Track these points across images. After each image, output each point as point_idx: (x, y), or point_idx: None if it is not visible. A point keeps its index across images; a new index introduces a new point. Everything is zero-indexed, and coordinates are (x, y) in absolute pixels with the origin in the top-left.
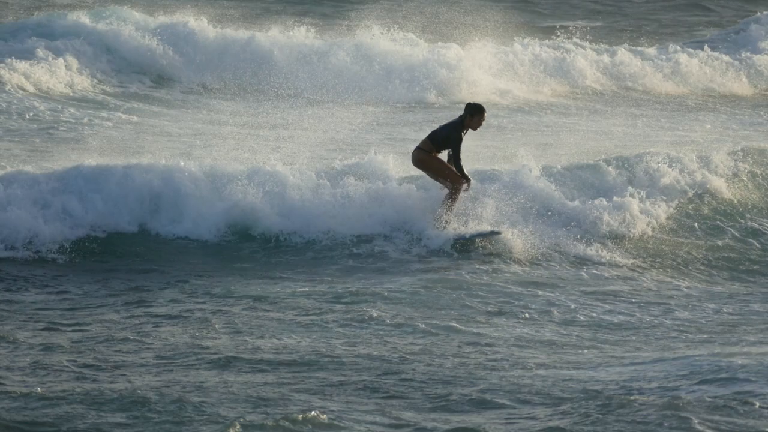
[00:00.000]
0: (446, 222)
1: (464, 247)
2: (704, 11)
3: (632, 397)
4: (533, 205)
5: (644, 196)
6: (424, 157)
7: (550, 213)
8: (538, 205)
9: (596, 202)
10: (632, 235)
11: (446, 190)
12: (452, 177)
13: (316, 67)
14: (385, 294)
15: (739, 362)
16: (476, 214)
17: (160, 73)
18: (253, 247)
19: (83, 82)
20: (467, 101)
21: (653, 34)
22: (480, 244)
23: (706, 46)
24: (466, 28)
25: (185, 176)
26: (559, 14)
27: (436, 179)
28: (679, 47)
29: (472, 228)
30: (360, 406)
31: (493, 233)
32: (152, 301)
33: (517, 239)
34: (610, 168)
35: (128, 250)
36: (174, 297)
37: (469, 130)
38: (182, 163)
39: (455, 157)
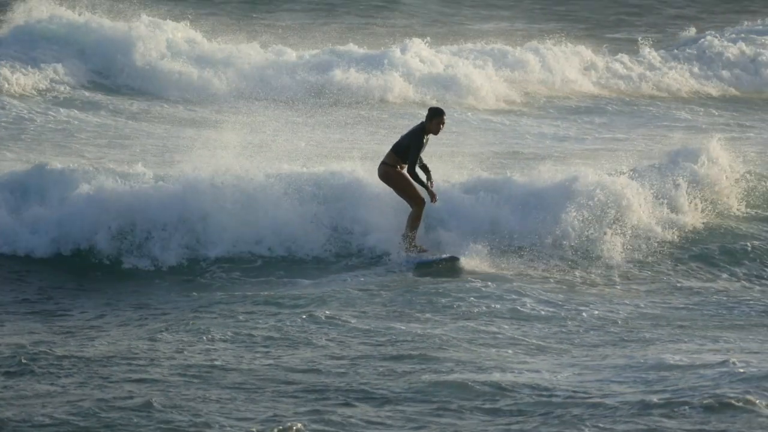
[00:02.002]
0: (407, 244)
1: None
2: (638, 9)
3: (555, 401)
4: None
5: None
6: (389, 171)
7: (497, 219)
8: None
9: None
10: (581, 233)
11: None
12: (415, 198)
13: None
14: (327, 296)
15: (668, 363)
16: (434, 238)
17: (112, 73)
18: (190, 257)
19: (38, 82)
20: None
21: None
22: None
23: (686, 49)
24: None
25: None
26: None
27: (400, 196)
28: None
29: (431, 253)
30: (294, 411)
31: (452, 259)
32: (73, 311)
33: (472, 260)
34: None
35: (66, 263)
36: (100, 307)
37: (431, 135)
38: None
39: (410, 159)
